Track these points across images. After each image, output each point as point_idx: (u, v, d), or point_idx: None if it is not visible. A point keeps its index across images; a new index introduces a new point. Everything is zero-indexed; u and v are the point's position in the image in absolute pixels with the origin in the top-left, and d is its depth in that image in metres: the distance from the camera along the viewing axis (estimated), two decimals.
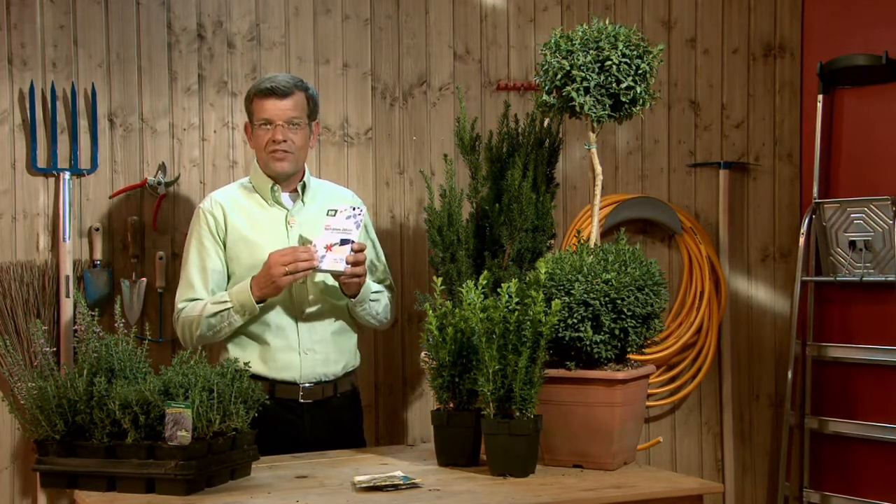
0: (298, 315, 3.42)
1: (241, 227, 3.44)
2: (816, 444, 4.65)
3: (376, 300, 3.51)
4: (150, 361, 2.98)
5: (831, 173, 4.61)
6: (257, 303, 3.31)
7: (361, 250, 3.32)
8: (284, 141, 3.39)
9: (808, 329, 4.64)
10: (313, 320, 3.44)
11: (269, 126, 3.40)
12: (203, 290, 3.40)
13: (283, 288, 3.29)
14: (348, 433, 3.52)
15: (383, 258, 3.68)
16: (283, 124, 3.39)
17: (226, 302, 3.33)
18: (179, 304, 3.42)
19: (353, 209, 3.35)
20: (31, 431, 2.85)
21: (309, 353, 3.41)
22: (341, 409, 3.51)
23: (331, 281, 3.42)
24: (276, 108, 3.39)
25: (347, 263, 3.27)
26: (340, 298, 3.47)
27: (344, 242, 3.29)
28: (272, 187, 3.46)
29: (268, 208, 3.48)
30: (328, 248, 3.29)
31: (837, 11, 4.62)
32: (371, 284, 3.48)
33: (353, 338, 3.57)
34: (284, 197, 3.49)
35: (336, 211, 3.36)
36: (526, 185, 3.44)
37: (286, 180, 3.48)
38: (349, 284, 3.36)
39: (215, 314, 3.34)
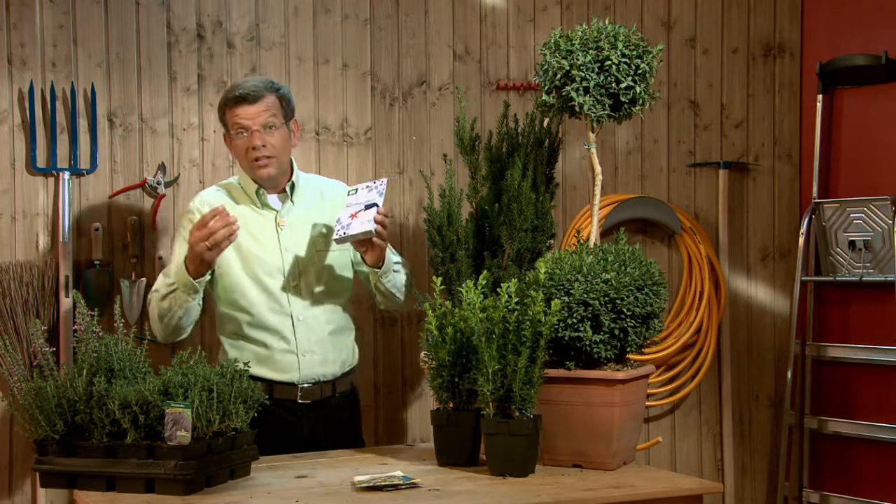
0: (295, 317, 3.42)
1: None
2: (816, 443, 4.65)
3: (398, 271, 3.50)
4: (150, 361, 2.98)
5: (831, 173, 4.61)
6: (194, 279, 3.26)
7: (386, 215, 3.30)
8: (264, 146, 3.37)
9: (808, 329, 4.64)
10: (310, 321, 3.43)
11: (245, 133, 3.38)
12: None
13: (212, 260, 3.24)
14: (347, 433, 3.52)
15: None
16: (259, 129, 3.36)
17: (173, 284, 3.31)
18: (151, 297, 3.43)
19: (374, 181, 3.34)
20: (30, 431, 2.85)
21: (307, 354, 3.41)
22: (340, 409, 3.51)
23: (327, 277, 3.42)
24: (248, 114, 3.36)
25: (376, 223, 3.25)
26: (338, 296, 3.47)
27: (368, 207, 3.27)
28: (257, 191, 3.45)
29: (258, 210, 3.46)
30: (353, 216, 3.27)
31: (837, 11, 4.62)
32: (392, 255, 3.46)
33: (350, 336, 3.57)
34: (272, 199, 3.48)
35: (356, 189, 3.35)
36: (525, 185, 3.44)
37: (273, 182, 3.47)
38: (374, 250, 3.31)
39: (165, 297, 3.32)
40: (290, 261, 3.42)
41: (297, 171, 3.53)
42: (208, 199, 3.48)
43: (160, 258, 3.90)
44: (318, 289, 3.45)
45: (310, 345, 3.41)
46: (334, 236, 3.31)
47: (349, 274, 3.55)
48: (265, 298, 3.40)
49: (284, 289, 3.40)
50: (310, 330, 3.43)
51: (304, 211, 3.49)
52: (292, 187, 3.49)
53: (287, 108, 3.45)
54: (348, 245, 3.48)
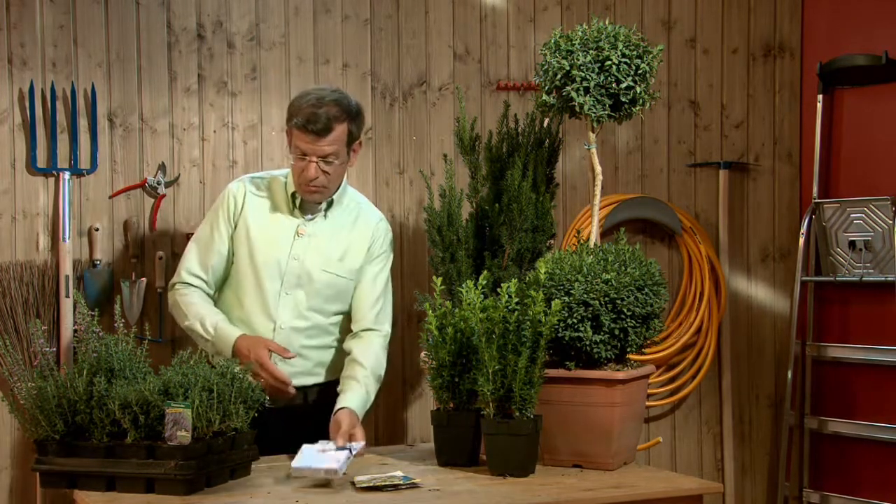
0: (278, 325, 3.37)
1: (250, 222, 3.39)
2: (816, 444, 4.65)
3: (374, 393, 3.38)
4: (150, 361, 2.98)
5: (831, 173, 4.61)
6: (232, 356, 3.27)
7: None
8: (318, 178, 3.29)
9: (808, 329, 4.64)
10: (291, 333, 3.38)
11: (304, 157, 3.28)
12: (202, 270, 3.40)
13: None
14: (318, 439, 3.42)
15: (384, 300, 3.49)
16: (318, 161, 3.27)
17: (208, 337, 3.32)
18: (181, 276, 3.41)
19: (350, 452, 3.01)
20: (30, 431, 2.84)
21: (278, 363, 3.30)
22: (312, 417, 3.38)
23: (323, 297, 3.39)
24: (312, 146, 3.26)
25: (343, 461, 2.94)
26: (330, 317, 3.44)
27: (339, 450, 2.98)
28: (293, 195, 3.39)
29: (286, 212, 3.41)
30: (322, 450, 2.95)
31: (837, 11, 4.62)
32: (365, 398, 3.33)
33: (331, 353, 3.47)
34: (306, 208, 3.41)
35: (328, 441, 3.09)
36: (526, 185, 3.44)
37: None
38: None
39: (194, 331, 3.35)
40: (293, 269, 3.38)
41: (343, 189, 3.43)
42: (247, 185, 3.42)
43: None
44: (310, 304, 3.40)
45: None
46: (293, 463, 2.92)
47: (348, 300, 3.47)
48: (257, 299, 3.38)
49: (278, 295, 3.39)
50: (288, 340, 3.36)
51: (330, 228, 3.43)
52: (329, 204, 3.42)
53: (354, 135, 3.33)
54: (354, 276, 3.43)
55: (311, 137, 3.25)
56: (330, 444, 3.01)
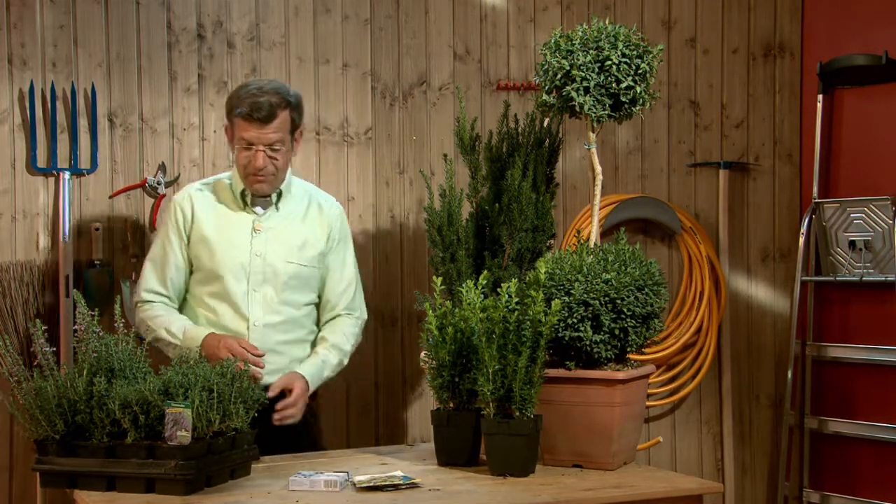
0: (252, 322, 3.37)
1: (205, 227, 3.39)
2: (816, 443, 4.65)
3: (335, 365, 3.42)
4: (150, 361, 2.98)
5: (831, 173, 4.61)
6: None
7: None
8: (266, 166, 3.31)
9: (808, 329, 4.64)
10: (266, 329, 3.38)
11: (249, 148, 3.30)
12: (161, 286, 3.40)
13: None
14: (301, 437, 3.40)
15: (355, 286, 3.54)
16: (265, 149, 3.30)
17: (177, 341, 3.32)
18: (141, 295, 3.41)
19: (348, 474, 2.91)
20: (30, 431, 2.84)
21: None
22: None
23: (292, 289, 3.40)
24: (257, 134, 3.28)
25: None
26: (300, 308, 3.44)
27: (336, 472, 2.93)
28: (242, 192, 3.39)
29: (238, 211, 3.42)
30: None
31: (837, 11, 4.62)
32: (319, 366, 3.38)
33: (305, 346, 3.48)
34: (256, 202, 3.42)
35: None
36: (526, 184, 3.44)
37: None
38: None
39: (161, 340, 3.35)
40: (258, 266, 3.38)
41: (290, 179, 3.47)
42: (192, 193, 3.43)
43: None
44: (280, 298, 3.40)
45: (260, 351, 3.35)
46: (291, 476, 2.89)
47: (315, 289, 3.49)
48: (227, 302, 3.37)
49: (246, 293, 3.38)
50: (263, 337, 3.36)
51: (285, 219, 3.44)
52: (279, 195, 3.43)
53: (296, 122, 3.37)
54: (317, 262, 3.45)
55: (256, 125, 3.28)
56: (323, 475, 2.93)
